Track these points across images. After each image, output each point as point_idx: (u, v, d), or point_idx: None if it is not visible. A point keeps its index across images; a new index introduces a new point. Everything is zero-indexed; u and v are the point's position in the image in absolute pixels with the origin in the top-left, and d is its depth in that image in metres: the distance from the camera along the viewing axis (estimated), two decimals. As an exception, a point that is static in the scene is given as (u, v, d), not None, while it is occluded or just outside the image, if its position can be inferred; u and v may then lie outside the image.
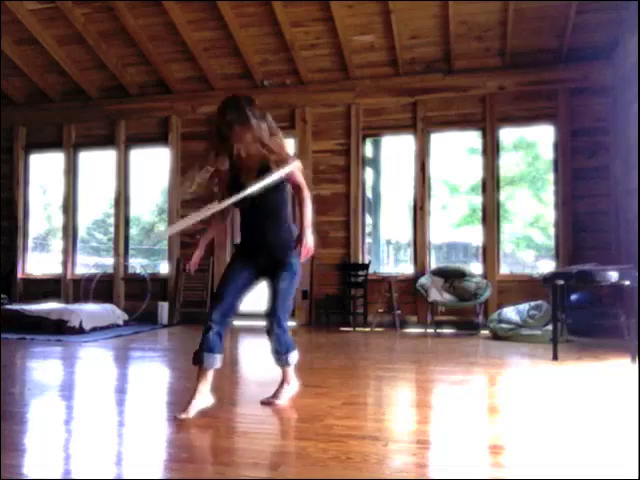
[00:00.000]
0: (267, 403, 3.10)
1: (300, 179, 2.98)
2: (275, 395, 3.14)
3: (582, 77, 6.77)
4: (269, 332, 2.98)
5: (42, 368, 4.64)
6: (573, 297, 6.00)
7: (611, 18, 6.22)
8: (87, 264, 9.60)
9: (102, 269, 8.70)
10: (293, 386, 3.19)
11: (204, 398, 2.90)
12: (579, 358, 4.80)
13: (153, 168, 10.27)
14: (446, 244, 12.58)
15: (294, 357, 3.11)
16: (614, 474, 2.14)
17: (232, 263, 3.10)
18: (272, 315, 2.95)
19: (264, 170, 2.86)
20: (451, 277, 6.89)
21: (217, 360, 2.91)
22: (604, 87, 6.68)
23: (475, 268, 7.32)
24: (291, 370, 3.17)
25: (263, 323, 3.03)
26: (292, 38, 7.00)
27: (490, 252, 7.03)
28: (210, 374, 2.93)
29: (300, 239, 2.87)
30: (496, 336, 6.19)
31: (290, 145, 7.63)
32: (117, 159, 8.27)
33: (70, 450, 2.47)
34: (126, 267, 8.31)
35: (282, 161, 2.89)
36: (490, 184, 7.08)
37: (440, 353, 5.24)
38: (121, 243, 8.27)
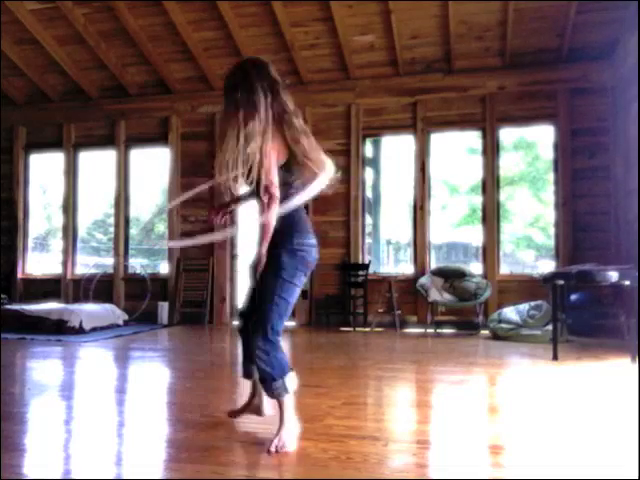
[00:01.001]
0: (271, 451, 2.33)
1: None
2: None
3: (582, 77, 6.77)
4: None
5: (42, 368, 4.64)
6: (573, 297, 6.00)
7: (611, 18, 6.22)
8: (87, 264, 9.59)
9: (102, 269, 8.70)
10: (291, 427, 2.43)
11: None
12: (579, 358, 4.80)
13: (153, 168, 10.28)
14: (446, 244, 12.58)
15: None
16: (614, 474, 2.14)
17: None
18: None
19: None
20: (451, 277, 6.89)
21: None
22: (604, 87, 6.68)
23: (475, 268, 7.31)
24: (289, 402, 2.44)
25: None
26: (292, 38, 6.99)
27: (490, 252, 7.03)
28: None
29: None
30: (496, 336, 6.19)
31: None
32: (117, 159, 8.27)
33: (70, 450, 2.47)
34: (126, 267, 8.31)
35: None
36: (490, 184, 7.08)
37: (440, 353, 5.24)
38: (121, 243, 8.27)
